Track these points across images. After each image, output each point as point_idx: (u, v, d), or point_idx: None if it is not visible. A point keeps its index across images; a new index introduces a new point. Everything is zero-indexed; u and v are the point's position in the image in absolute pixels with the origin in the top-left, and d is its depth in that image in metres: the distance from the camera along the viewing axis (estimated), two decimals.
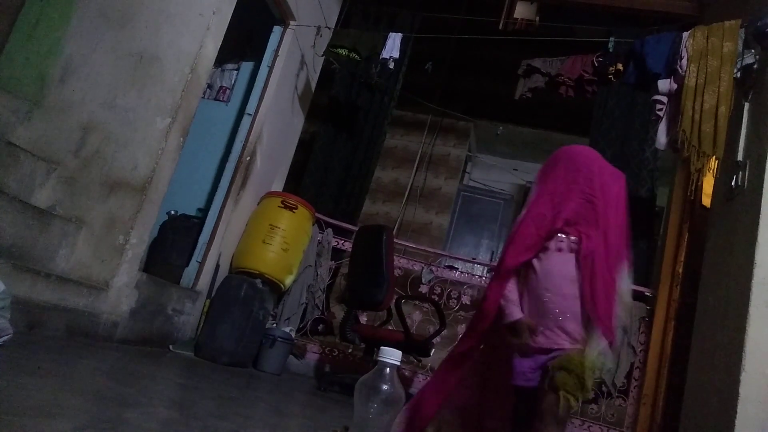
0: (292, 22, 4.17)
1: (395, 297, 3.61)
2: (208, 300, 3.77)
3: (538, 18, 4.05)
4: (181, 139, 3.08)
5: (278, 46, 4.16)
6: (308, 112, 4.84)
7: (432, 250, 5.05)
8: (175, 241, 3.79)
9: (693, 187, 2.91)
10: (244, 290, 3.70)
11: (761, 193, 2.46)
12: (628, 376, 3.75)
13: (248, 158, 4.02)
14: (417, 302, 4.57)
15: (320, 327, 4.52)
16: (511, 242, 1.93)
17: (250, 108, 4.08)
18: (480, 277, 4.79)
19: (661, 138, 3.13)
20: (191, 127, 3.16)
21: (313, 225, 4.36)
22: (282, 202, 4.08)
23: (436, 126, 6.83)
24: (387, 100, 4.93)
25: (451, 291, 4.45)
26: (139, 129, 2.94)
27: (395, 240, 3.85)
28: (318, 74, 4.81)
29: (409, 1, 4.77)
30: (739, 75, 2.87)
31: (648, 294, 3.89)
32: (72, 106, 2.98)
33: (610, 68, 3.45)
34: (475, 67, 6.18)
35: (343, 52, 4.10)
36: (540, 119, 6.31)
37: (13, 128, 2.88)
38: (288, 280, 4.09)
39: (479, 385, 1.98)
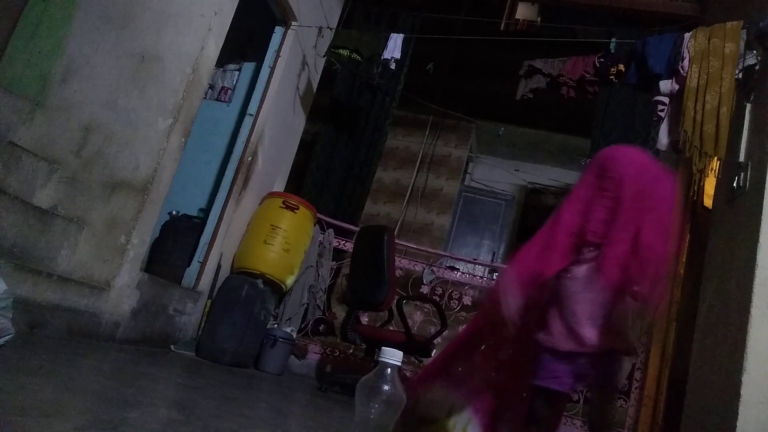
0: (293, 23, 4.18)
1: (396, 297, 3.61)
2: (210, 300, 3.78)
3: (539, 19, 4.05)
4: (183, 139, 3.09)
5: (280, 47, 4.16)
6: (310, 112, 4.84)
7: (433, 250, 5.05)
8: (176, 241, 3.79)
9: (695, 188, 2.91)
10: (246, 290, 3.70)
11: (763, 194, 2.45)
12: (629, 377, 3.75)
13: (250, 159, 4.03)
14: (418, 303, 4.57)
15: (321, 327, 4.53)
16: (545, 247, 1.82)
17: (252, 108, 4.09)
18: (481, 277, 4.79)
19: (663, 139, 3.13)
20: (193, 127, 3.16)
21: (315, 225, 4.36)
22: (283, 203, 4.08)
23: (438, 126, 6.84)
24: (388, 101, 4.93)
25: (452, 292, 4.45)
26: (141, 129, 2.95)
27: (396, 240, 3.85)
28: (319, 75, 4.81)
29: (410, 2, 4.77)
30: (740, 76, 2.86)
31: None
32: (74, 106, 2.99)
33: (612, 69, 3.45)
34: (476, 67, 6.18)
35: (345, 52, 4.10)
36: (541, 120, 6.30)
37: (14, 128, 2.88)
38: (289, 281, 4.09)
39: (490, 382, 1.92)
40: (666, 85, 3.07)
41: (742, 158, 2.75)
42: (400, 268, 4.36)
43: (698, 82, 2.90)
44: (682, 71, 3.00)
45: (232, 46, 3.63)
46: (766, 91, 2.71)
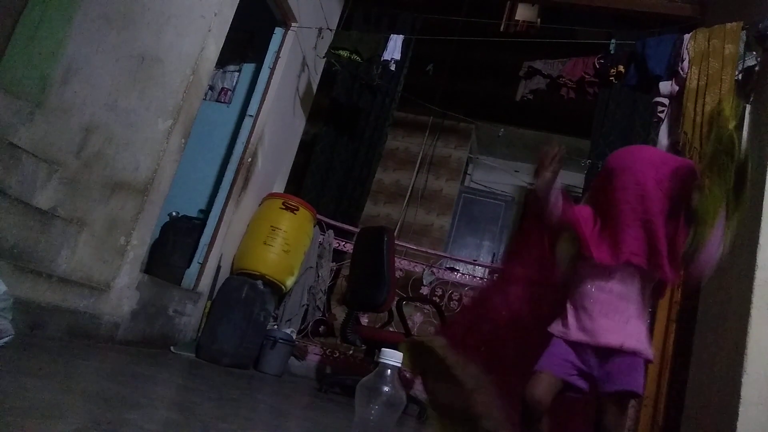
0: (293, 24, 4.18)
1: (396, 299, 3.60)
2: (209, 301, 3.77)
3: (539, 20, 4.06)
4: (183, 140, 3.09)
5: (280, 48, 4.17)
6: (309, 113, 4.84)
7: (433, 251, 5.05)
8: (176, 242, 3.79)
9: None
10: (245, 291, 3.70)
11: (763, 195, 2.46)
12: None
13: (249, 160, 4.03)
14: (418, 304, 4.57)
15: (321, 328, 4.53)
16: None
17: (252, 109, 4.09)
18: (481, 279, 4.78)
19: (663, 140, 3.13)
20: (193, 128, 3.17)
21: (315, 226, 4.36)
22: (283, 204, 4.08)
23: (438, 128, 6.84)
24: (388, 102, 4.94)
25: (452, 293, 4.45)
26: (141, 130, 2.95)
27: (396, 241, 3.85)
28: (319, 76, 4.82)
29: (410, 3, 4.78)
30: (740, 77, 2.87)
31: None
32: (74, 107, 2.99)
33: (612, 70, 3.46)
34: (476, 69, 6.18)
35: (345, 53, 4.10)
36: (541, 121, 6.30)
37: (14, 129, 2.88)
38: (289, 282, 4.09)
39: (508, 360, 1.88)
40: (666, 86, 3.08)
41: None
42: (400, 269, 4.36)
43: (698, 83, 2.90)
44: (681, 72, 3.00)
45: (232, 47, 3.63)
46: (765, 93, 2.71)
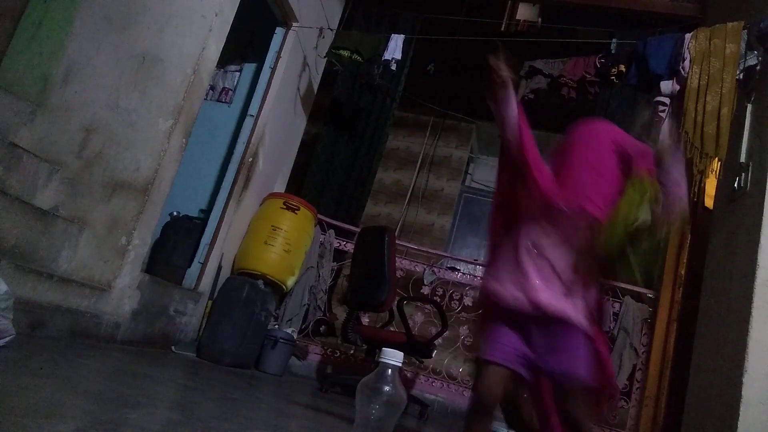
0: (294, 24, 4.18)
1: (397, 298, 3.60)
2: (210, 301, 3.78)
3: (540, 19, 4.06)
4: (184, 140, 3.09)
5: (280, 48, 4.17)
6: (310, 113, 4.84)
7: (434, 251, 5.05)
8: (177, 242, 3.79)
9: (695, 189, 2.90)
10: (246, 291, 3.70)
11: (764, 195, 2.45)
12: (631, 377, 3.75)
13: (250, 159, 4.03)
14: (419, 304, 4.56)
15: (322, 328, 4.52)
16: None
17: (253, 109, 4.09)
18: (482, 278, 4.78)
19: (663, 139, 3.12)
20: (193, 128, 3.17)
21: (315, 226, 4.36)
22: (284, 204, 4.08)
23: (438, 127, 6.83)
24: (389, 102, 4.93)
25: (453, 292, 4.45)
26: (142, 130, 2.95)
27: (397, 241, 3.85)
28: (320, 76, 4.82)
29: (411, 3, 4.78)
30: (741, 76, 2.87)
31: (650, 295, 3.88)
32: (75, 107, 2.99)
33: (613, 69, 3.45)
34: (477, 68, 6.17)
35: (346, 53, 4.10)
36: (542, 120, 6.28)
37: (15, 129, 2.89)
38: (290, 282, 4.09)
39: None
40: (667, 85, 3.08)
41: (742, 159, 2.75)
42: (401, 269, 4.36)
43: (699, 82, 2.90)
44: (683, 72, 3.00)
45: (232, 47, 3.63)
46: (766, 92, 2.71)
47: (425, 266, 4.48)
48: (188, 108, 3.05)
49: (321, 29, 4.31)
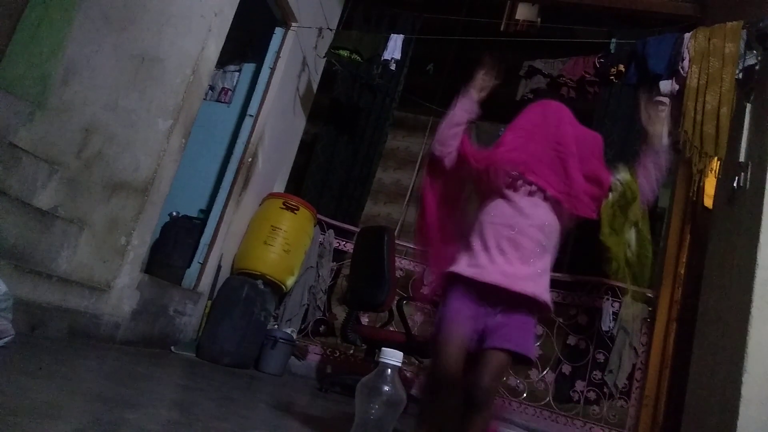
0: (293, 24, 4.18)
1: (397, 298, 3.60)
2: (210, 301, 3.78)
3: (539, 19, 4.06)
4: (183, 140, 3.09)
5: (280, 48, 4.16)
6: (310, 113, 4.84)
7: None
8: (176, 242, 3.79)
9: (695, 188, 2.91)
10: (246, 291, 3.70)
11: (763, 194, 2.45)
12: (630, 377, 3.75)
13: (250, 159, 4.03)
14: (419, 304, 4.56)
15: (321, 328, 4.52)
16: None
17: (252, 109, 4.09)
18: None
19: (663, 139, 3.12)
20: (193, 128, 3.17)
21: (315, 226, 4.36)
22: (283, 204, 4.08)
23: (438, 127, 6.83)
24: (388, 102, 4.93)
25: None
26: (141, 130, 2.95)
27: (397, 241, 3.85)
28: (319, 76, 4.81)
29: (410, 3, 4.77)
30: (740, 76, 2.87)
31: (650, 295, 3.88)
32: (74, 107, 2.99)
33: (612, 69, 3.46)
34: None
35: (345, 53, 4.10)
36: None
37: (15, 129, 2.89)
38: (289, 282, 4.09)
39: None
40: (666, 85, 3.08)
41: (742, 158, 2.75)
42: (401, 269, 4.36)
43: (698, 82, 2.90)
44: (682, 71, 3.00)
45: (232, 47, 3.63)
46: (766, 91, 2.71)
47: (425, 266, 4.48)
48: (187, 108, 3.05)
49: (320, 29, 4.30)
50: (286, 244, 3.97)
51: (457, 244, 1.81)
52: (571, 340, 3.95)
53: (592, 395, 3.80)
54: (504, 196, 1.76)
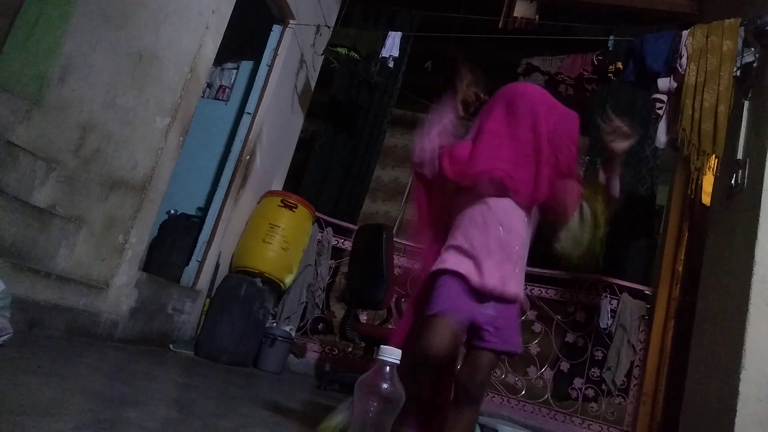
0: (291, 21, 4.17)
1: (395, 296, 3.61)
2: (208, 299, 3.77)
3: (537, 17, 4.05)
4: (181, 138, 3.08)
5: (278, 45, 4.16)
6: (308, 111, 4.83)
7: None
8: (175, 240, 3.79)
9: (693, 186, 2.91)
10: (244, 289, 3.70)
11: (761, 192, 2.45)
12: (628, 374, 3.76)
13: (248, 157, 4.02)
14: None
15: (320, 326, 4.53)
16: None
17: (250, 107, 4.08)
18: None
19: (661, 136, 3.13)
20: (191, 126, 3.16)
21: (313, 224, 4.36)
22: (282, 201, 4.08)
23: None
24: (387, 99, 4.93)
25: None
26: (139, 128, 2.94)
27: (395, 239, 3.85)
28: (317, 73, 4.81)
29: (408, 0, 4.77)
30: (738, 73, 2.86)
31: (648, 292, 3.89)
32: (71, 105, 2.98)
33: (610, 67, 3.45)
34: (474, 66, 6.17)
35: (343, 51, 4.09)
36: None
37: (12, 128, 2.88)
38: (288, 279, 4.09)
39: None
40: (664, 82, 3.07)
41: (740, 156, 2.75)
42: (399, 267, 4.36)
43: (696, 79, 2.90)
44: (680, 69, 3.00)
45: (230, 44, 3.62)
46: (764, 89, 2.71)
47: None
48: (185, 106, 3.05)
49: (318, 26, 4.30)
50: (285, 242, 3.96)
51: (444, 242, 1.81)
52: (570, 338, 3.96)
53: (590, 392, 3.81)
54: (488, 199, 1.77)
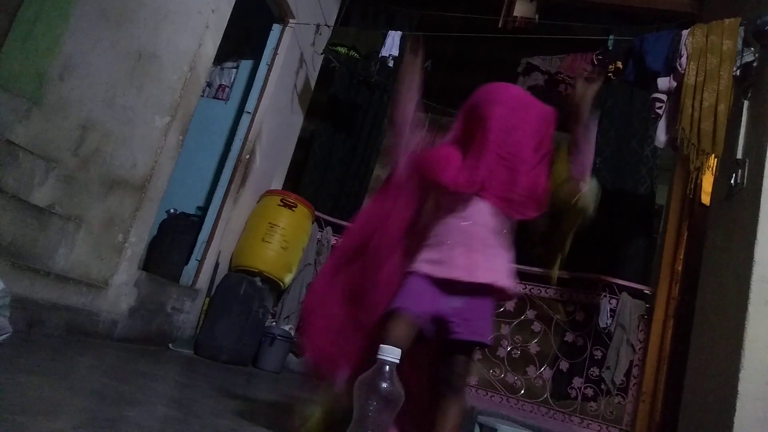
0: (291, 21, 4.17)
1: None
2: (208, 298, 3.77)
3: (537, 16, 4.05)
4: (181, 137, 3.08)
5: (277, 45, 4.15)
6: (307, 110, 4.83)
7: None
8: (174, 239, 3.79)
9: (692, 185, 2.91)
10: (244, 288, 3.70)
11: (760, 191, 2.46)
12: (627, 373, 3.76)
13: (247, 156, 4.02)
14: None
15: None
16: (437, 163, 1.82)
17: (250, 106, 4.08)
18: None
19: (661, 136, 3.13)
20: (190, 125, 3.16)
21: (313, 223, 4.36)
22: (281, 201, 4.08)
23: (435, 124, 6.82)
24: (386, 99, 4.92)
25: None
26: (138, 127, 2.94)
27: None
28: (317, 72, 4.80)
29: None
30: (738, 73, 2.87)
31: (647, 292, 3.89)
32: (71, 104, 2.98)
33: (610, 66, 3.45)
34: (474, 65, 6.16)
35: (343, 50, 4.09)
36: None
37: (12, 127, 2.88)
38: (287, 279, 4.09)
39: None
40: (664, 82, 3.07)
41: (739, 155, 2.75)
42: None
43: (696, 79, 2.90)
44: (679, 68, 2.99)
45: (229, 43, 3.62)
46: (763, 89, 2.71)
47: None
48: (185, 105, 3.04)
49: (318, 26, 4.29)
50: (284, 241, 3.97)
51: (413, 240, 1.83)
52: (569, 337, 3.96)
53: (589, 392, 3.80)
54: (456, 197, 1.79)
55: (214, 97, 4.42)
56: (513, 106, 1.82)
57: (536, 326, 4.03)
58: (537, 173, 1.79)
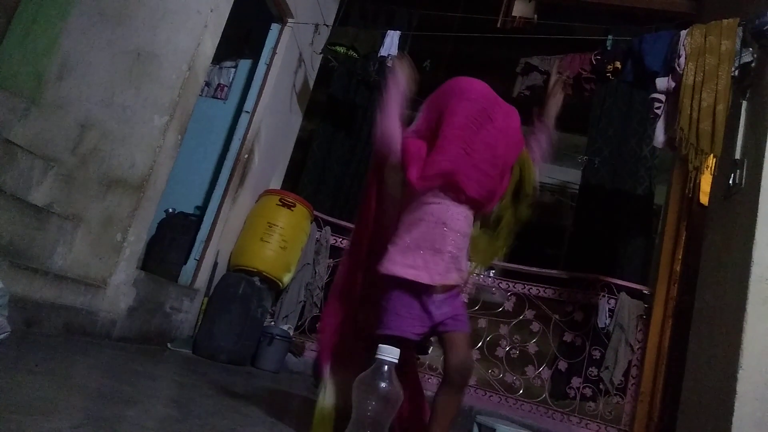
0: (290, 20, 4.17)
1: None
2: (206, 298, 3.77)
3: (536, 16, 4.05)
4: (179, 136, 3.08)
5: (276, 44, 4.15)
6: (306, 109, 4.83)
7: None
8: (173, 239, 3.79)
9: (691, 185, 2.91)
10: (243, 288, 3.70)
11: (759, 191, 2.46)
12: (626, 373, 3.76)
13: (246, 156, 4.02)
14: None
15: (318, 325, 4.52)
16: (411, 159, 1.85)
17: (248, 106, 4.08)
18: (478, 274, 4.78)
19: (659, 136, 3.13)
20: (189, 124, 3.16)
21: (312, 223, 4.36)
22: (280, 200, 4.08)
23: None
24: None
25: None
26: (137, 126, 2.94)
27: None
28: (316, 72, 4.80)
29: None
30: (736, 73, 2.87)
31: (646, 292, 3.89)
32: (69, 103, 2.98)
33: (608, 66, 3.45)
34: (473, 65, 6.15)
35: (341, 49, 4.09)
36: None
37: (10, 126, 2.87)
38: (286, 278, 4.09)
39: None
40: (662, 82, 3.08)
41: (738, 155, 2.76)
42: None
43: (694, 79, 2.90)
44: (678, 69, 3.00)
45: (228, 43, 3.61)
46: (762, 89, 2.72)
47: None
48: (183, 104, 3.04)
49: (316, 25, 4.29)
50: (283, 241, 3.96)
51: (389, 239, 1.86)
52: (567, 337, 3.96)
53: (588, 392, 3.81)
54: (433, 198, 1.82)
55: (213, 97, 4.42)
56: (480, 102, 1.84)
57: (535, 326, 4.03)
58: (501, 170, 1.86)
